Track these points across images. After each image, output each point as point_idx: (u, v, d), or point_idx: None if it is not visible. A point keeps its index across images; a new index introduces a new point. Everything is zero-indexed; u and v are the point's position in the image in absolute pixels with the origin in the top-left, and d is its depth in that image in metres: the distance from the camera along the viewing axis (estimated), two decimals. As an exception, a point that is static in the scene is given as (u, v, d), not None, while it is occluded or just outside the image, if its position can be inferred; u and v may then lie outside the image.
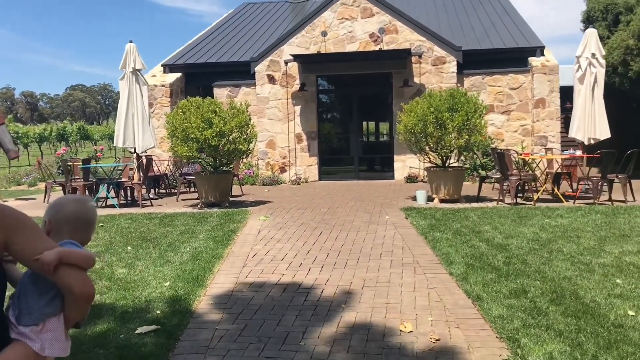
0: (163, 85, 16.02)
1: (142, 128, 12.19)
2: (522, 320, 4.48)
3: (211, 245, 7.36)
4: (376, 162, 15.99)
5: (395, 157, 15.16)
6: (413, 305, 4.98)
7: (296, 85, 15.33)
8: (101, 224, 9.11)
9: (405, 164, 15.01)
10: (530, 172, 11.56)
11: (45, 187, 12.27)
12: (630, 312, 4.56)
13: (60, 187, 12.24)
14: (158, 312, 5.01)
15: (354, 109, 15.71)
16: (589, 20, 18.18)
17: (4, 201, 12.15)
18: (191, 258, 6.76)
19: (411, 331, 4.38)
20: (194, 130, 9.77)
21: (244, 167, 15.54)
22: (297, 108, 15.42)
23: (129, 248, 7.40)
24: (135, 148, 12.29)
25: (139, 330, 4.56)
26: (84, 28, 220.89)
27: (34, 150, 34.97)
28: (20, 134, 28.40)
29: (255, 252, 7.04)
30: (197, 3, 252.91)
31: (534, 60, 14.78)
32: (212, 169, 10.77)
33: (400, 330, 4.40)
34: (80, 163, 12.46)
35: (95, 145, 32.09)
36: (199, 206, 10.62)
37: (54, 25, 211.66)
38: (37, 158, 18.21)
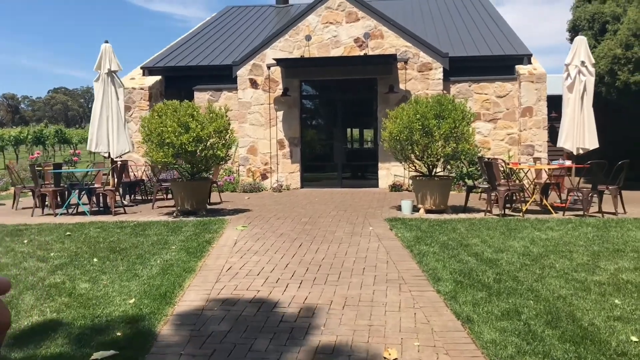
0: (142, 88, 15.52)
1: (117, 132, 11.68)
2: (516, 346, 4.11)
3: (183, 258, 6.90)
4: (360, 169, 15.61)
5: (380, 165, 14.81)
6: (398, 328, 4.58)
7: (279, 90, 14.93)
8: (68, 233, 8.61)
9: (390, 172, 14.66)
10: (518, 181, 11.26)
11: (14, 192, 11.71)
12: (634, 338, 4.21)
13: (31, 193, 11.69)
14: (119, 333, 4.55)
15: (338, 115, 15.34)
16: (575, 30, 18.06)
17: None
18: (161, 272, 6.30)
19: (396, 358, 3.98)
20: (169, 134, 9.30)
21: (224, 174, 15.08)
22: (280, 113, 15.01)
23: (95, 260, 6.92)
24: (109, 153, 11.78)
25: (95, 356, 4.11)
26: (69, 31, 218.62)
27: (9, 153, 34.09)
28: (-6, 137, 27.61)
29: (230, 265, 6.60)
30: (183, 8, 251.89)
31: (521, 68, 14.55)
32: (189, 176, 10.30)
33: (385, 358, 4.00)
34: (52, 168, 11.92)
35: (75, 148, 31.33)
36: (174, 214, 10.14)
37: (38, 28, 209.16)
38: (8, 162, 17.55)
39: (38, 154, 17.98)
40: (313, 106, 16.22)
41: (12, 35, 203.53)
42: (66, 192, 11.57)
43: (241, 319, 4.86)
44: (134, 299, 5.38)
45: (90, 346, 4.31)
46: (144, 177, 13.86)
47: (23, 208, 11.73)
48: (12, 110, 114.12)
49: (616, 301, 5.05)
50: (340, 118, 15.32)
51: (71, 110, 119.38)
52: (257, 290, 5.65)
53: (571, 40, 18.10)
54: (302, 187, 15.09)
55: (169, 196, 12.99)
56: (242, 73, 15.06)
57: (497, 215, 9.71)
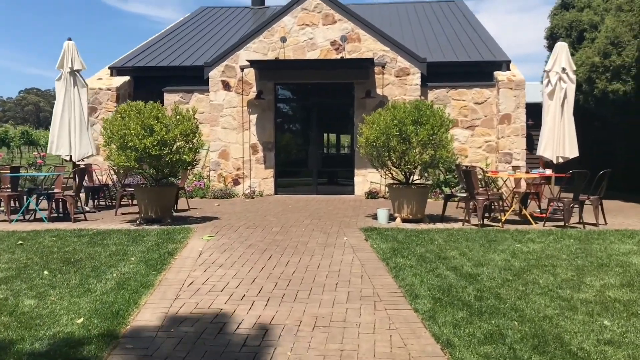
0: (109, 89, 14.90)
1: (80, 134, 11.10)
2: (502, 376, 3.72)
3: (142, 271, 6.39)
4: (336, 175, 15.20)
5: (356, 171, 14.43)
6: (372, 353, 4.16)
7: (253, 93, 14.46)
8: (20, 242, 8.00)
9: (366, 178, 14.29)
10: (497, 190, 10.97)
11: (-32, 196, 10.99)
12: (628, 366, 3.85)
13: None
14: (60, 360, 4.04)
15: (314, 119, 14.92)
16: (552, 37, 17.99)
17: None
18: (116, 287, 5.78)
19: (370, 391, 3.56)
20: (132, 137, 8.76)
21: (193, 179, 14.53)
22: (253, 117, 14.54)
23: (46, 272, 6.36)
24: (71, 156, 11.17)
25: (28, 388, 3.59)
26: (42, 31, 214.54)
27: (-26, 154, 32.89)
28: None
29: (192, 279, 6.11)
30: (159, 9, 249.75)
31: (499, 75, 14.33)
32: (153, 181, 9.75)
33: (357, 390, 3.57)
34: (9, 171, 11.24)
35: (41, 151, 30.30)
36: (137, 222, 9.58)
37: (10, 27, 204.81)
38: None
39: (0, 155, 17.15)
40: (288, 110, 15.77)
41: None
42: (24, 197, 10.92)
43: (199, 342, 4.39)
44: (82, 319, 4.86)
45: (24, 376, 3.80)
46: (108, 182, 13.24)
47: (-23, 213, 11.05)
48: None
49: (605, 322, 4.71)
50: (316, 123, 14.91)
51: (43, 111, 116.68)
52: (219, 308, 5.18)
53: (549, 47, 18.04)
54: (275, 193, 14.62)
55: (134, 202, 12.39)
56: (214, 74, 14.55)
57: (476, 225, 9.38)
